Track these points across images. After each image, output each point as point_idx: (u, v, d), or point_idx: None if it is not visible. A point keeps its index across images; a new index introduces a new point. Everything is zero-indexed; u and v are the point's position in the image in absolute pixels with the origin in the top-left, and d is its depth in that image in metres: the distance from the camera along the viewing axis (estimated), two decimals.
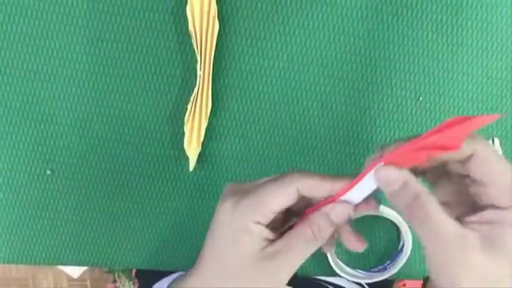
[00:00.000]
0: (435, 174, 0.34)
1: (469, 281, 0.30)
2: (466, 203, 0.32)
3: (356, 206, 0.33)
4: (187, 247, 0.51)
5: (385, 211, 0.50)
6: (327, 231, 0.33)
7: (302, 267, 0.53)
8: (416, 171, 0.32)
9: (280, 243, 0.34)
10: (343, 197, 0.33)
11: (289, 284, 0.53)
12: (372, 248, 0.53)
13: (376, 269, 0.53)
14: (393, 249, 0.53)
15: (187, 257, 0.52)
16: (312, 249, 0.34)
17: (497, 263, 0.30)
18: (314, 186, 0.33)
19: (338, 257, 0.52)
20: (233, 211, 0.34)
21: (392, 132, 0.49)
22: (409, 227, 0.50)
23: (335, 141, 0.49)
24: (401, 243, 0.52)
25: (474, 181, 0.31)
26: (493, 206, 0.30)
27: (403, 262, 0.52)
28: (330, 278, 0.55)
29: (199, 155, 0.48)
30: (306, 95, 0.48)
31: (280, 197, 0.33)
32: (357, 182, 0.32)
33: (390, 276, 0.53)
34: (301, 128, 0.48)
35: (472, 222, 0.30)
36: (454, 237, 0.29)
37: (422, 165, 0.30)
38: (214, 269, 0.36)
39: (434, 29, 0.46)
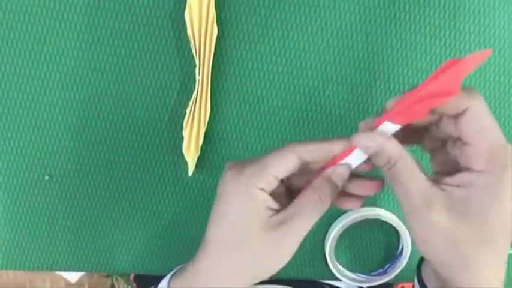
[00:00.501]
0: (431, 144, 0.35)
1: (436, 242, 0.31)
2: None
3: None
4: (186, 252, 0.51)
5: (385, 215, 0.50)
6: (332, 194, 0.34)
7: (301, 270, 0.53)
8: (414, 140, 0.34)
9: (287, 211, 0.34)
10: (343, 161, 0.34)
11: (288, 284, 0.53)
12: (371, 251, 0.53)
13: (375, 273, 0.53)
14: (393, 252, 0.53)
15: (187, 262, 0.51)
16: (319, 213, 0.34)
17: (463, 227, 0.30)
18: (314, 149, 0.34)
19: (337, 261, 0.52)
20: (238, 179, 0.35)
21: None
22: (407, 230, 0.50)
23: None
24: (400, 246, 0.52)
25: (461, 140, 0.31)
26: (470, 169, 0.31)
27: (403, 265, 0.52)
28: (329, 281, 0.55)
29: (198, 159, 0.48)
30: (305, 99, 0.48)
31: (282, 162, 0.34)
32: (352, 149, 0.33)
33: (390, 280, 0.53)
34: (300, 132, 0.48)
35: (445, 184, 0.31)
36: (421, 197, 0.31)
37: (424, 118, 0.31)
38: (221, 242, 0.35)
39: (432, 33, 0.46)
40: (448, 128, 0.32)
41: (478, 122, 0.30)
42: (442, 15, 0.46)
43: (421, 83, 0.30)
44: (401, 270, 0.52)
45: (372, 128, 0.32)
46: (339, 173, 0.34)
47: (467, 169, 0.31)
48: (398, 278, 0.53)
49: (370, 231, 0.52)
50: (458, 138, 0.32)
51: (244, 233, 0.34)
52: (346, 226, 0.50)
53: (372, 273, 0.53)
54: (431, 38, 0.46)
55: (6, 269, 0.52)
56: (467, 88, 0.30)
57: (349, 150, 0.34)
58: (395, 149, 0.31)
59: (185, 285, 0.37)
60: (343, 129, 0.48)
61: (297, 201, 0.35)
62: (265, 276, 0.36)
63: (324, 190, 0.34)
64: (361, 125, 0.34)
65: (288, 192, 0.37)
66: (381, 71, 0.47)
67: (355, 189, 0.36)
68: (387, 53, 0.47)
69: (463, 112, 0.30)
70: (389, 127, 0.32)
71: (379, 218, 0.50)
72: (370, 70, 0.47)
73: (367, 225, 0.52)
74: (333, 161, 0.35)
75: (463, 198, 0.31)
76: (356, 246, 0.53)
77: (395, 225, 0.50)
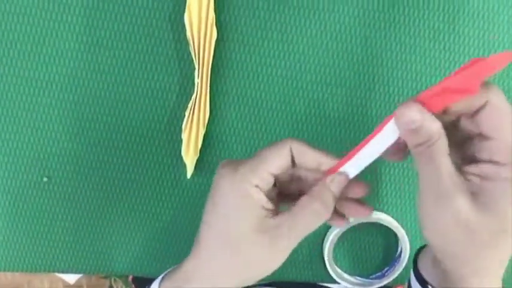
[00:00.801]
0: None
1: (455, 230, 0.31)
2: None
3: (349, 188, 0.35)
4: (185, 254, 0.51)
5: (383, 218, 0.50)
6: (331, 203, 0.34)
7: (300, 273, 0.53)
8: None
9: (284, 216, 0.34)
10: (343, 168, 0.34)
11: (287, 287, 0.53)
12: (370, 254, 0.53)
13: (374, 276, 0.53)
14: (391, 256, 0.53)
15: None
16: (317, 222, 0.34)
17: (486, 218, 0.30)
18: (304, 152, 0.34)
19: (336, 264, 0.52)
20: (232, 176, 0.34)
21: None
22: (406, 233, 0.50)
23: (333, 148, 0.49)
24: (399, 250, 0.52)
25: (480, 135, 0.31)
26: (492, 161, 0.31)
27: (401, 269, 0.52)
28: (328, 284, 0.55)
29: (197, 162, 0.47)
30: (304, 102, 0.48)
31: (275, 157, 0.34)
32: (358, 151, 0.33)
33: (388, 283, 0.53)
34: (299, 135, 0.48)
35: (469, 173, 0.31)
36: (451, 181, 0.30)
37: (438, 114, 0.30)
38: (212, 242, 0.35)
39: (431, 36, 0.46)
40: (467, 127, 0.32)
41: (499, 115, 0.30)
42: (441, 19, 0.46)
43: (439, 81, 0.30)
44: (400, 274, 0.52)
45: (378, 128, 0.32)
46: (337, 182, 0.34)
47: (490, 161, 0.31)
48: (397, 281, 0.53)
49: (368, 234, 0.52)
50: (479, 135, 0.31)
51: (237, 234, 0.34)
52: (344, 229, 0.50)
53: (371, 277, 0.53)
54: (430, 41, 0.46)
55: (4, 270, 0.52)
56: (484, 82, 0.30)
57: (358, 148, 0.33)
58: (437, 126, 0.30)
59: (176, 285, 0.37)
60: (342, 132, 0.48)
61: (296, 208, 0.34)
62: (257, 278, 0.36)
63: (324, 198, 0.34)
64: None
65: (279, 198, 0.37)
66: (380, 74, 0.47)
67: (343, 208, 0.36)
68: (386, 56, 0.47)
69: (482, 107, 0.30)
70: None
71: (377, 221, 0.50)
72: (369, 73, 0.47)
73: (366, 228, 0.52)
74: (336, 167, 0.34)
75: (485, 189, 0.30)
76: (355, 249, 0.52)
77: (394, 228, 0.50)
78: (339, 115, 0.48)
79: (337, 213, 0.36)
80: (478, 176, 0.31)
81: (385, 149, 0.33)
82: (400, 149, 0.33)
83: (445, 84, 0.29)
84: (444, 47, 0.47)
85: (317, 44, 0.46)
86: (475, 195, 0.30)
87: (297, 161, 0.35)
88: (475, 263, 0.32)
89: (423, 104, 0.30)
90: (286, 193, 0.37)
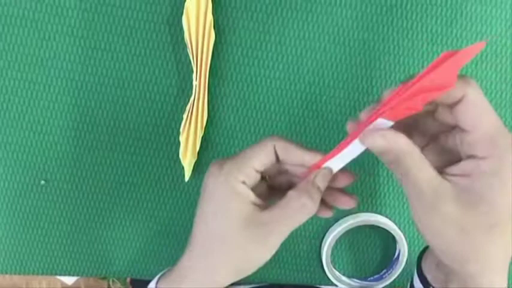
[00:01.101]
0: (421, 140, 0.35)
1: (447, 232, 0.31)
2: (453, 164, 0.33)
3: (335, 180, 0.36)
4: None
5: (381, 220, 0.50)
6: (317, 197, 0.35)
7: (298, 276, 0.53)
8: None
9: (272, 212, 0.35)
10: (327, 163, 0.35)
11: None
12: (368, 257, 0.53)
13: (372, 278, 0.53)
14: (389, 258, 0.53)
15: None
16: (305, 216, 0.35)
17: (472, 214, 0.30)
18: (288, 149, 0.35)
19: (334, 266, 0.52)
20: (219, 173, 0.35)
21: None
22: (404, 235, 0.50)
23: (331, 149, 0.48)
24: (397, 252, 0.52)
25: (459, 128, 0.31)
26: (471, 157, 0.31)
27: (399, 271, 0.52)
28: (326, 286, 0.55)
29: (195, 165, 0.47)
30: (302, 104, 0.48)
31: (259, 154, 0.35)
32: (342, 148, 0.34)
33: (386, 285, 0.53)
34: (297, 137, 0.48)
35: (451, 174, 0.31)
36: (431, 190, 0.31)
37: (418, 111, 0.31)
38: (204, 240, 0.36)
39: (429, 39, 0.46)
40: (444, 117, 0.32)
41: (475, 108, 0.30)
42: (439, 23, 0.46)
43: (416, 75, 0.30)
44: (398, 276, 0.52)
45: (362, 126, 0.32)
46: (322, 176, 0.35)
47: (469, 156, 0.31)
48: (395, 284, 0.53)
49: (366, 236, 0.52)
50: (455, 127, 0.32)
51: (225, 230, 0.35)
52: (342, 232, 0.50)
53: (369, 279, 0.53)
54: (428, 44, 0.46)
55: (2, 273, 0.52)
56: (461, 76, 0.30)
57: (336, 151, 0.34)
58: (405, 145, 0.31)
59: (172, 285, 0.38)
60: (340, 134, 0.48)
61: (283, 203, 0.35)
62: (249, 272, 0.37)
63: (310, 192, 0.35)
64: (349, 125, 0.34)
65: (270, 191, 0.38)
66: (377, 78, 0.47)
67: (329, 198, 0.37)
68: (384, 59, 0.47)
69: (460, 100, 0.30)
70: (382, 124, 0.31)
71: (376, 223, 0.50)
72: (367, 76, 0.47)
73: (364, 230, 0.52)
74: (320, 162, 0.35)
75: (469, 187, 0.30)
76: (353, 252, 0.53)
77: (391, 231, 0.50)
78: (337, 118, 0.48)
79: (323, 204, 0.37)
80: (460, 175, 0.31)
81: (361, 150, 0.33)
82: None
83: (422, 83, 0.29)
84: (442, 50, 0.47)
85: (315, 46, 0.46)
86: (459, 195, 0.31)
87: (280, 157, 0.36)
88: (477, 261, 0.32)
89: (399, 108, 0.30)
90: (276, 186, 0.38)
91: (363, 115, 0.33)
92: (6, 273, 0.52)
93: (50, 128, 0.47)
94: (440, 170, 0.32)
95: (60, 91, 0.46)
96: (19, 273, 0.52)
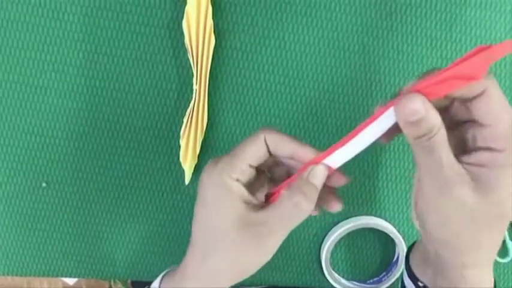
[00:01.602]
0: None
1: (458, 218, 0.31)
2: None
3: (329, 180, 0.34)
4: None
5: (381, 223, 0.50)
6: (312, 195, 0.34)
7: (297, 278, 0.53)
8: None
9: (267, 213, 0.34)
10: (326, 160, 0.33)
11: None
12: (367, 260, 0.53)
13: (371, 281, 0.53)
14: (388, 261, 0.53)
15: None
16: (302, 215, 0.34)
17: (486, 205, 0.31)
18: (279, 141, 0.34)
19: (333, 269, 0.52)
20: (212, 171, 0.35)
21: (387, 146, 0.49)
22: (403, 238, 0.51)
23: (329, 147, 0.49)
24: (396, 255, 0.52)
25: (475, 122, 0.31)
26: (488, 149, 0.31)
27: (398, 274, 0.52)
28: None
29: (195, 168, 0.48)
30: (301, 109, 0.48)
31: (250, 148, 0.34)
32: (344, 144, 0.32)
33: None
34: None
35: (467, 163, 0.31)
36: (451, 172, 0.30)
37: (440, 99, 0.30)
38: (202, 241, 0.36)
39: (428, 44, 0.47)
40: (459, 112, 0.32)
41: (496, 103, 0.30)
42: (438, 27, 0.46)
43: (448, 65, 0.29)
44: (397, 279, 0.52)
45: (377, 114, 0.31)
46: (316, 174, 0.34)
47: (485, 149, 0.31)
48: (394, 287, 0.53)
49: (366, 239, 0.52)
50: (472, 121, 0.31)
51: (221, 230, 0.34)
52: (342, 234, 0.50)
53: (368, 282, 0.53)
54: (427, 49, 0.47)
55: (3, 274, 0.52)
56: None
57: (345, 141, 0.32)
58: (438, 118, 0.30)
59: (176, 285, 0.38)
60: (340, 138, 0.48)
61: (278, 204, 0.34)
62: (251, 272, 0.36)
63: (305, 191, 0.33)
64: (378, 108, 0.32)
65: (271, 185, 0.37)
66: (377, 82, 0.47)
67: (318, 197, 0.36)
68: (384, 64, 0.47)
69: (479, 94, 0.30)
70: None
71: (375, 226, 0.50)
72: (367, 81, 0.47)
73: (363, 233, 0.52)
74: (318, 158, 0.34)
75: (486, 177, 0.31)
76: (352, 255, 0.53)
77: (391, 234, 0.50)
78: (336, 122, 0.48)
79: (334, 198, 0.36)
80: (476, 164, 0.31)
81: (373, 140, 0.32)
82: (387, 135, 0.33)
83: (454, 71, 0.29)
84: (441, 55, 0.47)
85: (315, 51, 0.47)
86: (474, 183, 0.31)
87: (272, 150, 0.35)
88: (474, 251, 0.32)
89: (425, 91, 0.30)
90: (277, 179, 0.38)
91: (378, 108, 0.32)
92: (8, 274, 0.52)
93: (51, 131, 0.47)
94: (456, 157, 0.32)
95: (61, 95, 0.47)
96: (20, 275, 0.52)
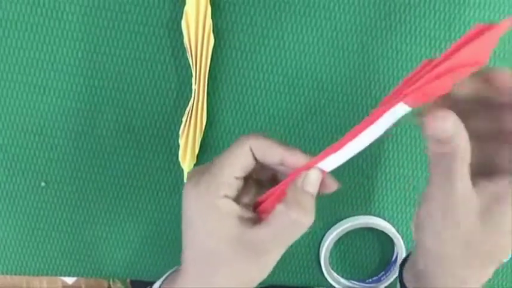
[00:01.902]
0: (483, 126, 0.31)
1: (454, 243, 0.30)
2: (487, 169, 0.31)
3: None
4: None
5: (380, 223, 0.50)
6: (309, 206, 0.31)
7: (296, 278, 0.53)
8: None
9: (265, 229, 0.31)
10: (320, 164, 0.31)
11: None
12: (366, 259, 0.53)
13: (370, 280, 0.53)
14: (387, 260, 0.53)
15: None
16: (300, 231, 0.31)
17: (489, 238, 0.30)
18: (267, 149, 0.31)
19: (332, 268, 0.52)
20: (197, 190, 0.31)
21: (386, 146, 0.49)
22: (402, 238, 0.51)
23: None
24: (395, 254, 0.52)
25: (506, 134, 0.29)
26: (507, 172, 0.29)
27: (397, 273, 0.52)
28: None
29: (194, 167, 0.48)
30: (301, 108, 0.48)
31: (235, 160, 0.31)
32: (339, 147, 0.30)
33: None
34: (296, 140, 0.48)
35: (482, 189, 0.29)
36: (461, 200, 0.29)
37: (447, 92, 0.27)
38: (197, 260, 0.33)
39: (427, 44, 0.47)
40: (492, 97, 0.29)
41: None
42: (437, 27, 0.46)
43: (444, 52, 0.27)
44: (395, 278, 0.52)
45: (375, 115, 0.28)
46: (311, 181, 0.31)
47: (508, 172, 0.29)
48: (393, 286, 0.53)
49: (364, 239, 0.52)
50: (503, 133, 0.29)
51: (217, 253, 0.32)
52: (341, 234, 0.50)
53: (367, 281, 0.53)
54: (426, 49, 0.47)
55: (2, 273, 0.52)
56: None
57: (342, 143, 0.29)
58: (466, 142, 0.28)
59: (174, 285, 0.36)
60: (339, 138, 0.49)
61: (271, 219, 0.31)
62: (252, 286, 0.34)
63: (300, 203, 0.30)
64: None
65: (259, 189, 0.34)
66: (376, 81, 0.47)
67: None
68: (383, 63, 0.47)
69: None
70: (401, 111, 0.27)
71: (374, 226, 0.50)
72: (365, 80, 0.47)
73: (362, 233, 0.52)
74: (311, 162, 0.31)
75: (497, 211, 0.29)
76: (351, 254, 0.53)
77: (389, 233, 0.50)
78: (335, 121, 0.48)
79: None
80: (490, 194, 0.29)
81: (372, 141, 0.29)
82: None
83: (455, 59, 0.26)
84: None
85: (314, 51, 0.47)
86: (482, 215, 0.29)
87: (259, 159, 0.32)
88: (465, 275, 0.32)
89: (428, 89, 0.27)
90: (265, 183, 0.35)
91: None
92: (7, 274, 0.52)
93: (50, 131, 0.48)
94: (474, 180, 0.29)
95: (60, 94, 0.47)
96: (19, 274, 0.52)
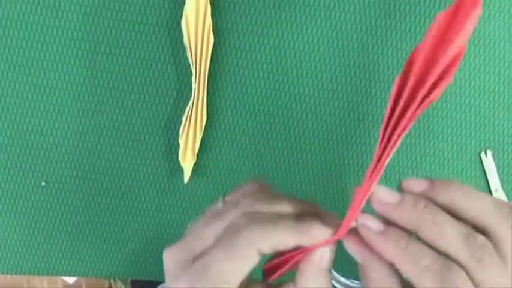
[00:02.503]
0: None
1: None
2: None
3: None
4: None
5: None
6: (326, 283, 0.29)
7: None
8: None
9: None
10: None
11: None
12: None
13: None
14: None
15: None
16: None
17: None
18: (276, 243, 0.28)
19: (332, 267, 0.52)
20: None
21: None
22: None
23: (329, 153, 0.49)
24: None
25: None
26: None
27: None
28: None
29: (194, 167, 0.48)
30: (301, 107, 0.48)
31: (237, 268, 0.28)
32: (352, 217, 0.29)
33: None
34: (296, 140, 0.49)
35: None
36: None
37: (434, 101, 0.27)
38: None
39: None
40: None
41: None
42: None
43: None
44: None
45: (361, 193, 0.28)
46: (326, 258, 0.30)
47: None
48: None
49: None
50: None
51: None
52: None
53: None
54: None
55: (3, 273, 0.52)
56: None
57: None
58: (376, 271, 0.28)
59: None
60: (339, 137, 0.49)
61: None
62: None
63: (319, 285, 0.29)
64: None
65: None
66: (376, 80, 0.47)
67: None
68: (383, 62, 0.47)
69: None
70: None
71: None
72: (366, 79, 0.47)
73: None
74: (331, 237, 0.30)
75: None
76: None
77: None
78: (335, 120, 0.48)
79: None
80: None
81: None
82: None
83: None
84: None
85: (314, 50, 0.47)
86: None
87: (270, 253, 0.29)
88: None
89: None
90: None
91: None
92: (8, 273, 0.52)
93: (50, 130, 0.48)
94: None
95: (60, 93, 0.47)
96: (20, 274, 0.52)
